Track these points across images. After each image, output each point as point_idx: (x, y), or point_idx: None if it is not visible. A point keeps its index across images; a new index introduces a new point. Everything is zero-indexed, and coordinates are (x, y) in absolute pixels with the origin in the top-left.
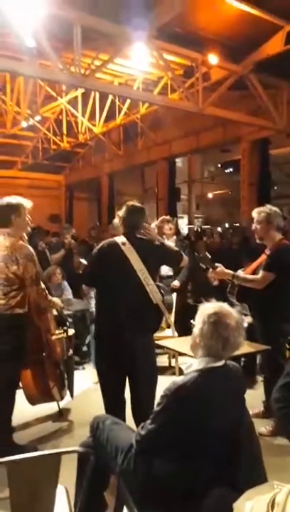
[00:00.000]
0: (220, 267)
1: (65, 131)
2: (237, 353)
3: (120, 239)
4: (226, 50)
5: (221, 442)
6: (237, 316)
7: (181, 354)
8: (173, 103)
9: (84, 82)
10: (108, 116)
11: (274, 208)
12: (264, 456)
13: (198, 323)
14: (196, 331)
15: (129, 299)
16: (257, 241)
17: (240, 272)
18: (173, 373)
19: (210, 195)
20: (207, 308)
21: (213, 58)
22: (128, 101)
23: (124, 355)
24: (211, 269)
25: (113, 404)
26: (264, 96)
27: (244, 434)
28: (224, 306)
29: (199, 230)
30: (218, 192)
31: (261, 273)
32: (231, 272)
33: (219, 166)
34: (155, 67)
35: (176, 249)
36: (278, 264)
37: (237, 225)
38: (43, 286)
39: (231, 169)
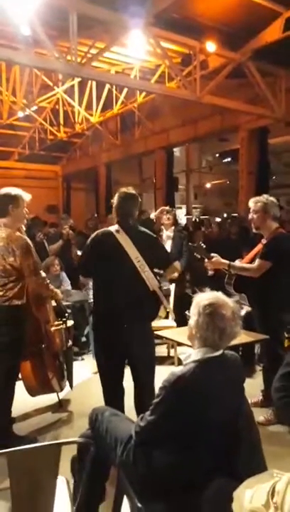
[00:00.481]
0: (216, 257)
1: (61, 121)
2: (235, 342)
3: (114, 227)
4: (224, 37)
5: (220, 432)
6: (233, 305)
7: (180, 344)
8: (171, 91)
9: (80, 70)
10: (105, 106)
11: (271, 198)
12: (263, 445)
13: (193, 314)
14: (192, 322)
15: (125, 287)
16: (254, 230)
17: (237, 262)
18: (172, 363)
19: (208, 185)
20: (202, 299)
21: (211, 46)
22: (125, 90)
23: (123, 344)
24: (206, 259)
25: (112, 394)
26: (262, 84)
27: (243, 423)
28: (219, 296)
29: (197, 220)
30: (216, 182)
31: (257, 261)
32: (226, 261)
33: (217, 155)
34: (152, 55)
35: (167, 255)
36: (275, 253)
37: (236, 215)
38: (43, 275)
39: (229, 159)
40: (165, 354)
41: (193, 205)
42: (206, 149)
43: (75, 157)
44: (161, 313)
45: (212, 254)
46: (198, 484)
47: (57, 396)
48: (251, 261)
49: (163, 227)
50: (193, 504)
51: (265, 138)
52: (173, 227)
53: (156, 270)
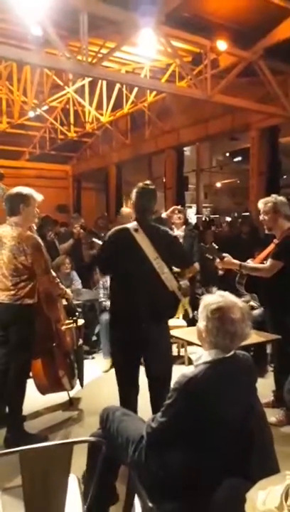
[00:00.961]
0: (227, 257)
1: (72, 121)
2: (247, 342)
3: (132, 225)
4: (235, 35)
5: (233, 433)
6: (242, 305)
7: (190, 343)
8: (181, 91)
9: (91, 70)
10: (115, 105)
11: (280, 197)
12: (275, 446)
13: (202, 318)
14: (201, 326)
15: (143, 287)
16: (266, 232)
17: (248, 262)
18: (183, 363)
19: (218, 185)
20: (210, 302)
21: (222, 44)
22: (135, 89)
23: (139, 342)
24: (218, 260)
25: (127, 391)
26: (273, 82)
27: (256, 423)
28: (227, 297)
29: (207, 219)
30: (226, 181)
31: (269, 261)
32: (238, 262)
33: (227, 154)
34: (163, 55)
35: (187, 255)
36: (287, 253)
37: (247, 214)
38: (54, 274)
39: (239, 158)
40: (176, 353)
41: (203, 205)
42: (216, 148)
43: (86, 157)
44: (179, 313)
45: (224, 255)
46: (210, 485)
47: (68, 394)
48: (263, 261)
49: (173, 226)
50: (205, 504)
51: (276, 137)
52: (183, 227)
53: (174, 269)
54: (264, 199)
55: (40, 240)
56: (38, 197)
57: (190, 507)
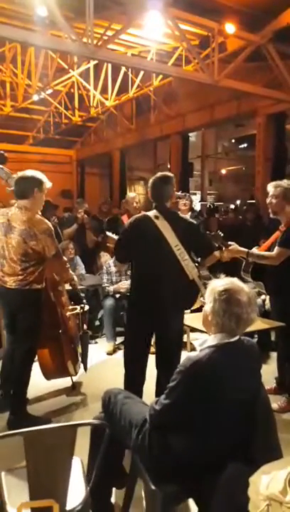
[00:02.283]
0: (233, 245)
1: (76, 105)
2: (251, 329)
3: (153, 213)
4: (244, 18)
5: (237, 417)
6: (249, 290)
7: (193, 330)
8: (188, 75)
9: (96, 53)
10: (120, 90)
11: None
12: (278, 432)
13: (209, 301)
14: (207, 308)
15: (164, 275)
16: (271, 215)
17: (255, 250)
18: (185, 348)
19: (223, 171)
20: (217, 285)
21: (230, 27)
22: (141, 73)
23: (155, 329)
24: (224, 247)
25: (133, 375)
26: (281, 67)
27: (260, 409)
28: (235, 281)
29: (211, 206)
30: (232, 168)
31: (276, 249)
32: (245, 249)
33: (233, 141)
34: (169, 38)
35: (210, 243)
36: None
37: (253, 201)
38: (65, 259)
39: (245, 144)
40: None
41: (208, 192)
42: (222, 135)
43: (90, 141)
44: (197, 304)
45: (230, 243)
46: (213, 468)
47: (71, 379)
48: (269, 248)
49: (179, 212)
50: (208, 488)
51: (283, 123)
52: (189, 213)
53: (193, 258)
54: (274, 182)
55: (51, 225)
56: (48, 183)
57: (192, 490)
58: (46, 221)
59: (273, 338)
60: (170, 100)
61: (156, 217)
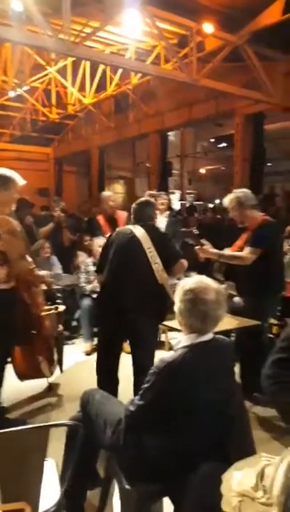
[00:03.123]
0: (206, 245)
1: (54, 102)
2: (229, 327)
3: (131, 225)
4: (222, 18)
5: (211, 417)
6: (217, 287)
7: (171, 329)
8: (166, 73)
9: (73, 50)
10: (98, 87)
11: (242, 190)
12: (252, 430)
13: (177, 301)
14: (176, 309)
15: (133, 274)
16: (240, 226)
17: (227, 250)
18: (163, 348)
19: (202, 171)
20: (184, 285)
21: (208, 27)
22: (119, 71)
23: (125, 331)
24: (198, 246)
25: (104, 378)
26: (259, 68)
27: (234, 407)
28: (202, 280)
29: (191, 205)
30: (211, 167)
31: (247, 249)
32: (216, 251)
33: (212, 140)
34: (148, 36)
35: (177, 252)
36: (263, 240)
37: None
38: (30, 259)
39: (224, 144)
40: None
41: (187, 191)
42: (201, 134)
43: (68, 139)
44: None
45: (203, 242)
46: (188, 467)
47: (47, 380)
48: (241, 248)
49: (157, 212)
50: (182, 487)
51: (261, 123)
52: (167, 212)
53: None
54: (227, 197)
55: (15, 224)
56: (20, 181)
57: (167, 489)
58: (11, 220)
59: None
60: (149, 99)
61: (135, 227)
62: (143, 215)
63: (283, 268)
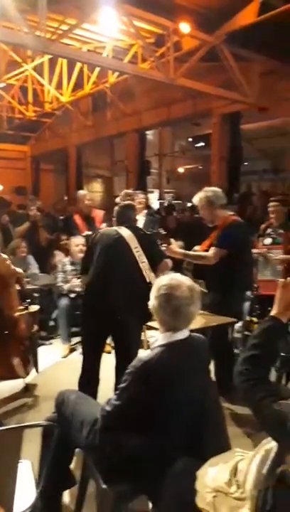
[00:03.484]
0: (173, 245)
1: (30, 100)
2: (206, 325)
3: (116, 226)
4: (199, 18)
5: (187, 414)
6: (190, 284)
7: (150, 328)
8: (144, 72)
9: (49, 47)
10: (76, 85)
11: (212, 188)
12: (227, 426)
13: (152, 298)
14: (151, 306)
15: (121, 275)
16: (209, 225)
17: (195, 248)
18: (142, 347)
19: (180, 170)
20: (159, 282)
21: (185, 27)
22: (97, 69)
23: (110, 331)
24: (166, 246)
25: (88, 374)
26: (235, 68)
27: (209, 404)
28: (175, 277)
29: (169, 204)
30: (189, 166)
31: (212, 249)
32: (182, 251)
33: (189, 140)
34: (125, 34)
35: (162, 252)
36: (229, 240)
37: None
38: (4, 256)
39: (202, 143)
40: None
41: (165, 190)
42: (179, 133)
43: (45, 137)
44: None
45: (171, 241)
46: (163, 465)
47: (24, 381)
48: (208, 248)
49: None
50: (158, 484)
51: (237, 123)
52: (145, 211)
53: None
54: (196, 196)
55: None
56: None
57: (144, 487)
58: None
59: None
60: (127, 97)
61: (120, 228)
62: (127, 218)
63: (251, 267)
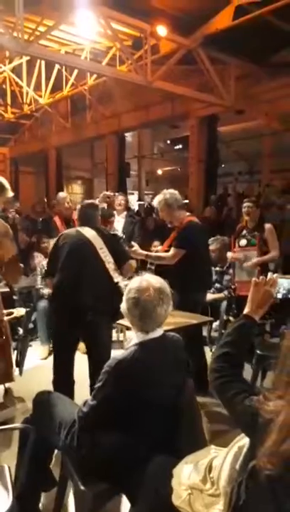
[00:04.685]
0: (135, 247)
1: (9, 101)
2: (181, 324)
3: (79, 227)
4: (175, 22)
5: (163, 411)
6: (159, 286)
7: (129, 328)
8: (122, 75)
9: (27, 48)
10: (55, 87)
11: (168, 191)
12: (203, 423)
13: (123, 301)
14: (122, 310)
15: (88, 276)
16: (169, 226)
17: (158, 248)
18: (122, 347)
19: (159, 172)
20: (129, 285)
21: (162, 30)
22: (75, 71)
23: (81, 331)
24: (128, 248)
25: (62, 377)
26: (212, 71)
27: (184, 402)
28: (146, 278)
29: (148, 206)
30: (167, 168)
31: (171, 250)
32: (144, 252)
33: (168, 142)
34: (103, 37)
35: (126, 252)
36: (187, 240)
37: (187, 201)
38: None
39: (180, 145)
40: (115, 338)
41: (145, 192)
42: (158, 136)
43: (24, 139)
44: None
45: (132, 244)
46: (140, 463)
47: (3, 384)
48: (169, 249)
49: (115, 212)
50: (135, 483)
51: (215, 126)
52: (125, 213)
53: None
54: (156, 198)
55: (6, 225)
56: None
57: (121, 487)
58: (3, 223)
59: (204, 333)
60: (106, 100)
61: (83, 228)
62: (90, 217)
63: (209, 266)
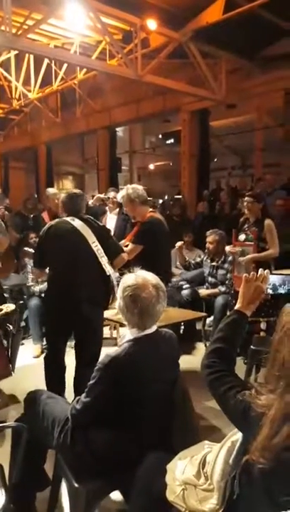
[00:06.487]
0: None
1: None
2: (175, 320)
3: (69, 218)
4: (165, 16)
5: (156, 407)
6: (156, 283)
7: (122, 325)
8: (112, 69)
9: (15, 42)
10: (44, 82)
11: (131, 186)
12: (197, 419)
13: (118, 298)
14: (117, 306)
15: (81, 271)
16: (133, 221)
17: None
18: (115, 344)
19: (151, 167)
20: (125, 281)
21: (152, 23)
22: (65, 66)
23: (74, 324)
24: None
25: (55, 372)
26: (203, 65)
27: (178, 398)
28: (142, 275)
29: None
30: (159, 163)
31: (129, 245)
32: None
33: (160, 136)
34: (93, 31)
35: (118, 245)
36: (146, 236)
37: (179, 196)
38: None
39: (172, 140)
40: (108, 335)
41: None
42: (149, 130)
43: (13, 135)
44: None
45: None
46: (135, 460)
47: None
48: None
49: (107, 209)
50: (129, 480)
51: (206, 120)
52: (117, 210)
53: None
54: (119, 193)
55: None
56: None
57: (115, 483)
58: None
59: (198, 327)
60: (96, 94)
61: (72, 219)
62: (75, 207)
63: (169, 263)
